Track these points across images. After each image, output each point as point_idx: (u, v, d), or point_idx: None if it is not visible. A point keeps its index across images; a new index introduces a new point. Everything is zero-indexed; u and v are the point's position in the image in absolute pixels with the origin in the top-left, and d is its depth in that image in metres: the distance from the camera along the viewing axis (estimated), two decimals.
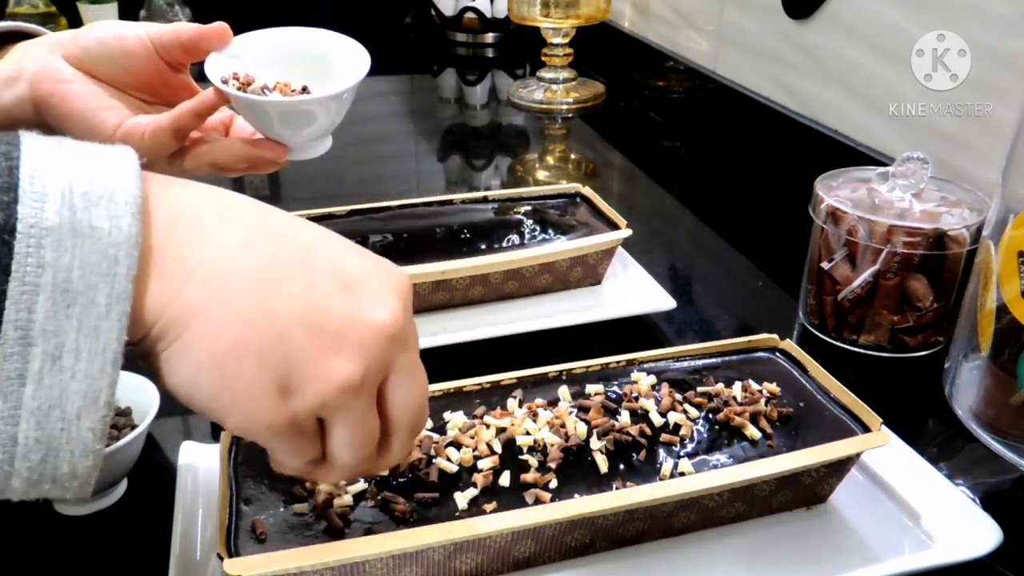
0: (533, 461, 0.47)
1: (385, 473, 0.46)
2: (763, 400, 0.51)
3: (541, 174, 1.13)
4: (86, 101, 0.50)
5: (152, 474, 0.54)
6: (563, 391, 0.52)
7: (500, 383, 0.54)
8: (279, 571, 0.40)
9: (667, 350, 0.57)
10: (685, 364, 0.56)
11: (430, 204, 0.79)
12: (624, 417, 0.49)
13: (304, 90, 0.55)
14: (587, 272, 0.75)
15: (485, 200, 0.80)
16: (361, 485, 0.45)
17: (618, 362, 0.56)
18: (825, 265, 0.68)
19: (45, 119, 0.50)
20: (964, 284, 0.61)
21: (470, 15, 1.63)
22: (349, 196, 0.87)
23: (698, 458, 0.48)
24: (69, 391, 0.27)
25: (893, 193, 0.66)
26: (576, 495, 0.45)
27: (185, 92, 0.55)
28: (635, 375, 0.54)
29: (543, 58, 1.37)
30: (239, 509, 0.44)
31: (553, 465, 0.47)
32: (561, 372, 0.55)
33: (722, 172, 1.11)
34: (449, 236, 0.73)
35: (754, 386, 0.53)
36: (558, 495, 0.45)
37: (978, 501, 0.51)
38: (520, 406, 0.51)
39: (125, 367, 0.29)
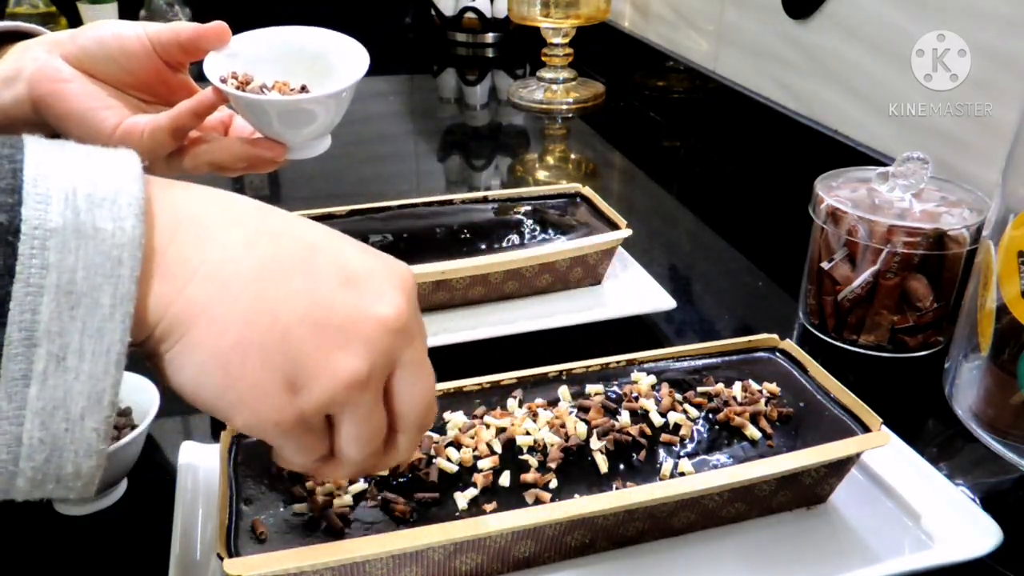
0: (533, 461, 0.47)
1: (386, 472, 0.46)
2: (763, 400, 0.51)
3: (541, 174, 1.13)
4: (85, 101, 0.50)
5: (152, 474, 0.54)
6: (563, 391, 0.52)
7: (500, 383, 0.54)
8: (279, 571, 0.40)
9: (667, 350, 0.57)
10: (685, 364, 0.56)
11: (430, 204, 0.79)
12: (624, 417, 0.49)
13: (303, 89, 0.55)
14: (587, 272, 0.75)
15: (485, 200, 0.80)
16: (361, 485, 0.45)
17: (618, 362, 0.56)
18: (825, 265, 0.68)
19: (44, 119, 0.50)
20: (964, 284, 0.61)
21: (470, 15, 1.63)
22: (349, 196, 0.87)
23: (698, 458, 0.48)
24: (73, 392, 0.27)
25: (893, 193, 0.66)
26: (576, 495, 0.45)
27: (184, 92, 0.55)
28: (635, 375, 0.54)
29: (543, 58, 1.37)
30: (239, 509, 0.44)
31: (553, 465, 0.47)
32: (561, 372, 0.55)
33: (722, 172, 1.11)
34: (449, 236, 0.73)
35: (754, 386, 0.53)
36: (558, 495, 0.45)
37: (978, 501, 0.51)
38: (520, 406, 0.51)
39: (125, 367, 0.29)
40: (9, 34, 0.53)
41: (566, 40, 1.34)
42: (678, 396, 0.52)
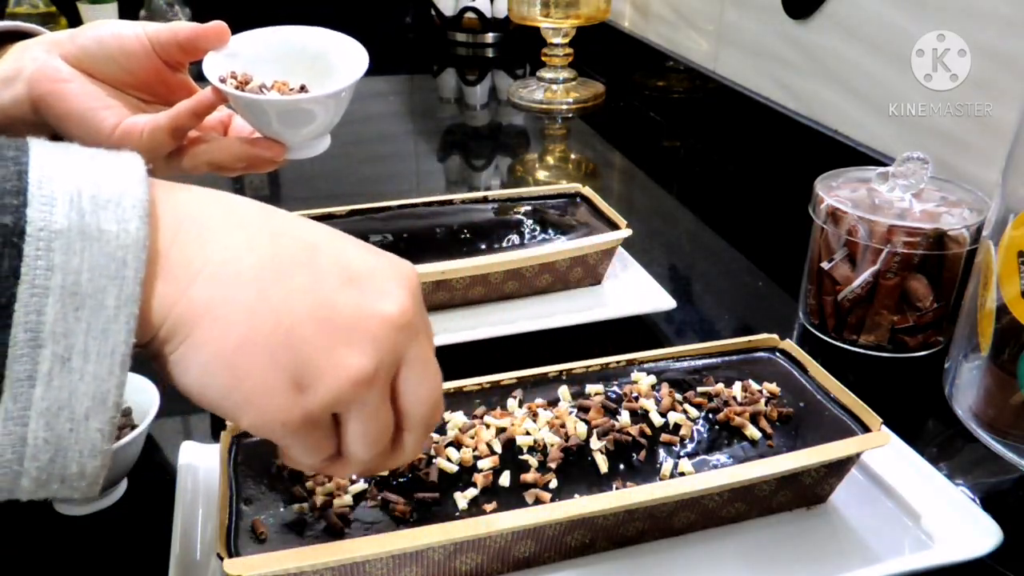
0: (533, 461, 0.47)
1: (386, 473, 0.46)
2: (763, 400, 0.51)
3: (541, 174, 1.13)
4: (84, 100, 0.50)
5: (152, 474, 0.54)
6: (563, 391, 0.52)
7: (500, 383, 0.54)
8: (279, 571, 0.40)
9: (667, 350, 0.57)
10: (685, 364, 0.56)
11: (430, 204, 0.79)
12: (624, 417, 0.49)
13: (302, 89, 0.55)
14: (587, 272, 0.75)
15: (485, 200, 0.80)
16: (361, 485, 0.45)
17: (618, 362, 0.56)
18: (825, 265, 0.68)
19: (43, 119, 0.50)
20: (964, 284, 0.61)
21: (470, 15, 1.63)
22: (349, 196, 0.87)
23: (698, 458, 0.48)
24: (78, 392, 0.28)
25: (893, 193, 0.66)
26: (576, 495, 0.45)
27: (183, 91, 0.55)
28: (635, 375, 0.54)
29: (543, 58, 1.37)
30: (239, 509, 0.44)
31: (553, 465, 0.47)
32: (561, 372, 0.55)
33: (722, 172, 1.11)
34: (449, 236, 0.73)
35: (754, 386, 0.53)
36: (558, 495, 0.45)
37: (978, 501, 0.51)
38: (520, 406, 0.51)
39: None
40: (8, 34, 0.53)
41: (566, 40, 1.34)
42: (678, 396, 0.52)
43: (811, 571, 0.47)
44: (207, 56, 0.54)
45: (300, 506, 0.45)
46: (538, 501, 0.45)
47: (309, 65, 0.56)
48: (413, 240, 0.72)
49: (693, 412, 0.50)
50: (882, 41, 0.84)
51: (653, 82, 1.35)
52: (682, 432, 0.49)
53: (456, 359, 0.64)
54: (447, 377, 0.53)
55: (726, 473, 0.46)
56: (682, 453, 0.48)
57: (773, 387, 0.53)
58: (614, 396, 0.51)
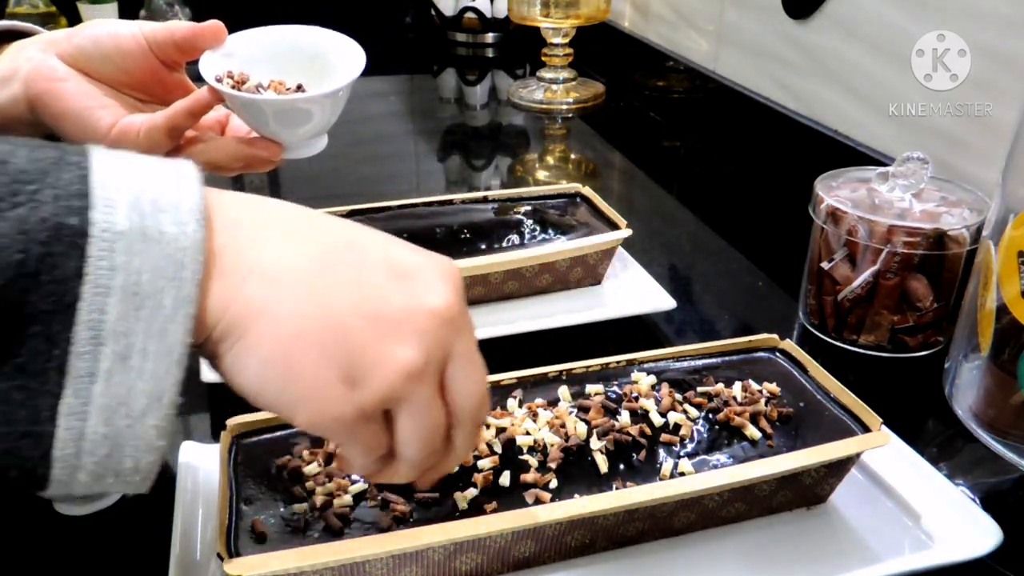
0: (533, 461, 0.47)
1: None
2: (763, 400, 0.51)
3: (541, 174, 1.13)
4: (81, 100, 0.50)
5: None
6: (563, 391, 0.52)
7: (500, 383, 0.54)
8: (279, 571, 0.40)
9: (667, 350, 0.57)
10: (685, 364, 0.56)
11: (430, 204, 0.79)
12: (624, 417, 0.49)
13: (299, 88, 0.55)
14: (587, 272, 0.75)
15: (485, 200, 0.80)
16: (361, 485, 0.45)
17: (618, 362, 0.56)
18: (825, 265, 0.68)
19: (40, 118, 0.50)
20: (964, 284, 0.61)
21: (470, 15, 1.63)
22: (349, 196, 0.87)
23: (698, 458, 0.48)
24: (136, 390, 0.28)
25: (893, 193, 0.66)
26: (576, 495, 0.45)
27: (180, 91, 0.55)
28: (635, 375, 0.54)
29: (543, 58, 1.37)
30: (239, 509, 0.44)
31: (553, 465, 0.47)
32: (561, 372, 0.55)
33: (722, 172, 1.11)
34: (449, 236, 0.73)
35: (754, 386, 0.53)
36: (558, 495, 0.45)
37: (978, 501, 0.51)
38: (520, 406, 0.51)
39: None
40: (5, 33, 0.53)
41: (566, 40, 1.34)
42: (678, 396, 0.52)
43: (811, 571, 0.47)
44: (204, 55, 0.54)
45: (300, 506, 0.45)
46: (538, 501, 0.45)
47: (306, 65, 0.56)
48: (413, 240, 0.70)
49: (693, 412, 0.50)
50: (882, 41, 0.84)
51: (653, 82, 1.35)
52: (682, 432, 0.49)
53: None
54: None
55: (726, 473, 0.46)
56: (682, 453, 0.48)
57: (773, 387, 0.53)
58: (614, 396, 0.51)
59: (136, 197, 0.29)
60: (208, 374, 0.57)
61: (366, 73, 0.54)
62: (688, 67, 1.23)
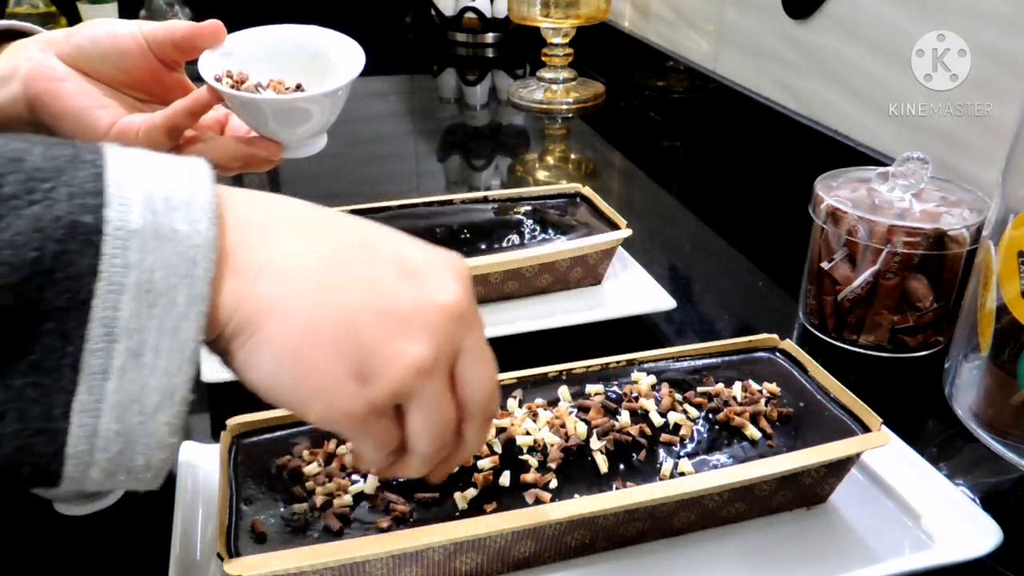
0: (533, 461, 0.47)
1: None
2: (763, 400, 0.51)
3: (541, 174, 1.13)
4: (80, 99, 0.50)
5: None
6: (563, 391, 0.52)
7: (500, 383, 0.53)
8: (279, 571, 0.40)
9: (667, 350, 0.57)
10: (685, 364, 0.56)
11: (430, 204, 0.79)
12: (624, 417, 0.49)
13: (298, 88, 0.55)
14: (587, 272, 0.75)
15: (485, 200, 0.80)
16: (361, 485, 0.45)
17: (618, 362, 0.56)
18: (825, 265, 0.68)
19: (39, 118, 0.50)
20: (964, 284, 0.61)
21: (470, 15, 1.63)
22: (349, 196, 0.87)
23: (698, 458, 0.48)
24: (148, 386, 0.28)
25: (893, 193, 0.66)
26: (576, 495, 0.45)
27: (179, 90, 0.55)
28: (635, 375, 0.54)
29: (543, 58, 1.37)
30: (239, 509, 0.44)
31: (553, 465, 0.47)
32: (561, 372, 0.55)
33: (722, 172, 1.11)
34: (449, 236, 0.73)
35: (754, 386, 0.53)
36: (558, 495, 0.45)
37: (978, 501, 0.51)
38: (520, 406, 0.51)
39: None
40: (5, 33, 0.53)
41: (566, 40, 1.34)
42: (678, 396, 0.52)
43: (811, 571, 0.47)
44: (203, 55, 0.54)
45: (300, 506, 0.45)
46: (538, 501, 0.45)
47: (305, 64, 0.56)
48: None
49: (693, 412, 0.50)
50: (882, 41, 0.84)
51: (653, 82, 1.35)
52: (682, 432, 0.49)
53: None
54: None
55: (726, 473, 0.46)
56: (682, 453, 0.48)
57: (773, 387, 0.53)
58: (614, 396, 0.51)
59: (149, 195, 0.29)
60: (208, 374, 0.57)
61: (366, 73, 0.54)
62: (688, 67, 1.23)
